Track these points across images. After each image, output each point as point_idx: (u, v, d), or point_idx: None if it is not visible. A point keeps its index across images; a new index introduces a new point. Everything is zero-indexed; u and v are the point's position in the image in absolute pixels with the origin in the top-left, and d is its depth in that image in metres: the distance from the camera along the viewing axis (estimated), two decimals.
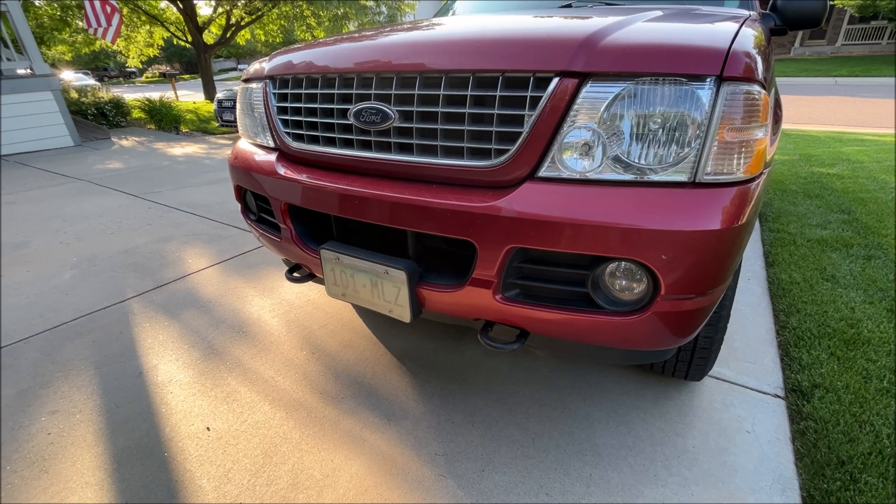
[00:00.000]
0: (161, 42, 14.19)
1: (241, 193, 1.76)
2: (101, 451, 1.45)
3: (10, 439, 1.51)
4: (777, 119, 1.69)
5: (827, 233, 2.95)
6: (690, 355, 1.48)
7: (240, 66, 44.69)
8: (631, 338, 1.13)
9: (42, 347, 1.99)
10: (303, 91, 1.38)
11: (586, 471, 1.36)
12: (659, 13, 1.34)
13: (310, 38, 14.52)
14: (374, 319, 2.16)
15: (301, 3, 13.00)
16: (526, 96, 1.03)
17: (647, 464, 1.38)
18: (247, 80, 1.66)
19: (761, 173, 1.07)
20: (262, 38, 15.13)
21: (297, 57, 1.45)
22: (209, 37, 13.64)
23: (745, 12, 1.70)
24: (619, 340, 1.16)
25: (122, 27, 9.84)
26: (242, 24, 13.26)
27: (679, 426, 1.52)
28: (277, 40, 15.05)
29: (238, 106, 1.74)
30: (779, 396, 1.63)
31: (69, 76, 17.47)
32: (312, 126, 1.39)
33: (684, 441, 1.46)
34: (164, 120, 9.11)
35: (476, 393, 1.68)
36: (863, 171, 4.56)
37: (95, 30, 8.40)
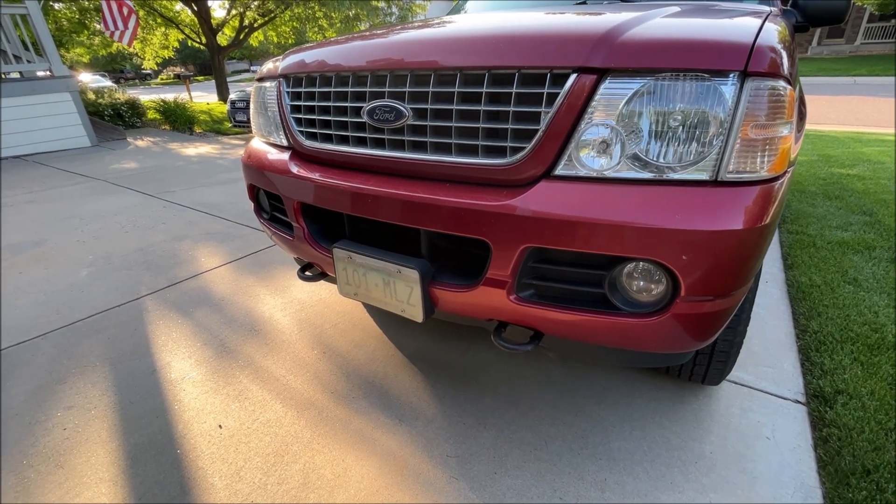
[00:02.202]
0: (176, 44, 14.40)
1: (254, 192, 1.77)
2: (116, 447, 1.47)
3: (27, 434, 1.53)
4: (801, 116, 1.65)
5: (848, 235, 2.88)
6: (708, 359, 1.45)
7: (252, 68, 45.17)
8: (648, 340, 1.11)
9: (58, 343, 2.02)
10: (316, 89, 1.38)
11: (601, 475, 1.33)
12: (677, 9, 1.31)
13: (322, 40, 14.61)
14: (385, 319, 2.15)
15: (313, 4, 13.09)
16: (543, 93, 1.02)
17: (663, 469, 1.35)
18: (260, 80, 1.67)
19: (785, 172, 1.04)
20: (275, 40, 15.26)
21: (310, 55, 1.45)
22: (223, 38, 13.81)
23: (766, 8, 1.66)
24: (637, 342, 1.13)
25: (139, 29, 9.98)
26: (255, 25, 13.40)
27: (696, 431, 1.48)
28: (290, 42, 15.16)
29: (251, 105, 1.74)
30: (800, 402, 1.59)
31: (86, 78, 17.83)
32: (326, 124, 1.39)
33: (702, 447, 1.42)
34: (179, 121, 9.23)
35: (488, 394, 1.66)
36: (884, 172, 4.44)
37: (112, 32, 8.50)
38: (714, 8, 1.49)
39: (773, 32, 1.02)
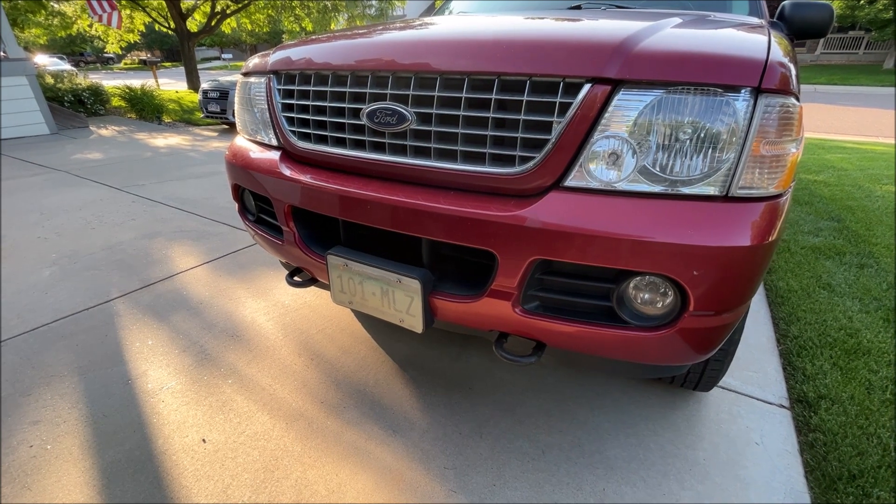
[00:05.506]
0: (142, 27, 13.70)
1: (238, 192, 1.68)
2: (89, 465, 1.37)
3: None
4: None
5: (819, 240, 2.99)
6: (703, 367, 1.47)
7: (223, 56, 43.56)
8: (653, 353, 1.11)
9: (21, 351, 1.88)
10: (311, 88, 1.31)
11: (599, 485, 1.33)
12: (679, 20, 1.31)
13: (297, 30, 14.22)
14: (374, 324, 2.10)
15: None
16: (555, 102, 0.99)
17: (659, 478, 1.36)
18: (247, 74, 1.58)
19: (789, 188, 1.05)
20: (249, 28, 14.74)
21: (304, 51, 1.38)
22: (193, 24, 13.23)
23: (758, 20, 1.69)
24: (641, 355, 1.13)
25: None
26: (228, 12, 12.90)
27: (688, 438, 1.50)
28: (264, 30, 14.69)
29: (237, 101, 1.65)
30: (784, 407, 1.63)
31: (43, 60, 16.77)
32: (321, 125, 1.32)
33: (695, 454, 1.44)
34: (146, 109, 8.81)
35: (482, 402, 1.64)
36: (848, 178, 4.66)
37: (101, 17, 8.27)
38: (710, 19, 1.50)
39: (781, 48, 1.03)
